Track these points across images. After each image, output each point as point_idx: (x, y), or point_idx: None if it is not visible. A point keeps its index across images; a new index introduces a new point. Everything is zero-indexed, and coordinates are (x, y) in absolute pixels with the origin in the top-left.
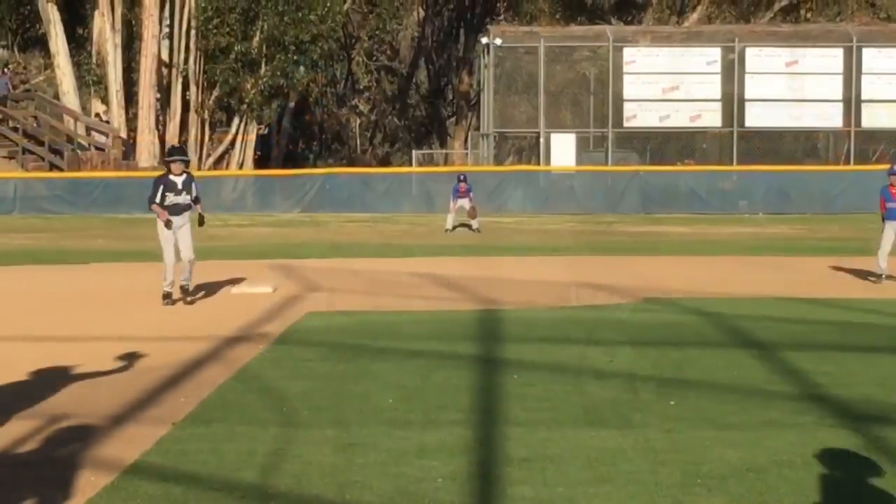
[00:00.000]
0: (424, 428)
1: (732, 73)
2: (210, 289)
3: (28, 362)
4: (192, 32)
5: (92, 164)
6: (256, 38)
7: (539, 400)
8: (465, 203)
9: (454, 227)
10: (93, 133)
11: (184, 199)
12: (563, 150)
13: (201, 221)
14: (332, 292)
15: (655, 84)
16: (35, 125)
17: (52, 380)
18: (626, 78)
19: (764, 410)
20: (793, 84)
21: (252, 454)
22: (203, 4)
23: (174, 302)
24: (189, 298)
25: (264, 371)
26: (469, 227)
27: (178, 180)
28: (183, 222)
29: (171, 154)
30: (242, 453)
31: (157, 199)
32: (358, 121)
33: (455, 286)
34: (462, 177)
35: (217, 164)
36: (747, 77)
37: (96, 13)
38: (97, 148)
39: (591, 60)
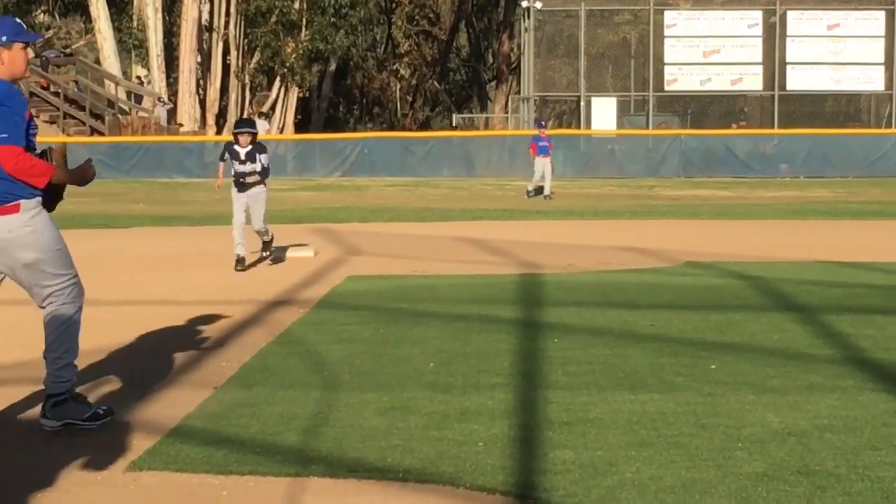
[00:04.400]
0: (465, 392)
1: (774, 36)
2: (251, 252)
3: None
4: None
5: (133, 128)
6: (297, 2)
7: (579, 364)
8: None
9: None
10: (133, 97)
11: (248, 168)
12: (603, 113)
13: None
14: (373, 256)
15: (696, 47)
16: (76, 90)
17: (91, 344)
18: (666, 41)
19: (805, 374)
20: (834, 47)
21: (293, 418)
22: None
23: (246, 268)
24: (268, 259)
25: (305, 335)
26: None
27: (242, 150)
28: (256, 191)
29: (237, 126)
30: (284, 417)
31: (224, 159)
32: (398, 85)
33: (495, 250)
34: (542, 123)
35: None
36: (788, 40)
37: None
38: (138, 112)
39: (633, 24)
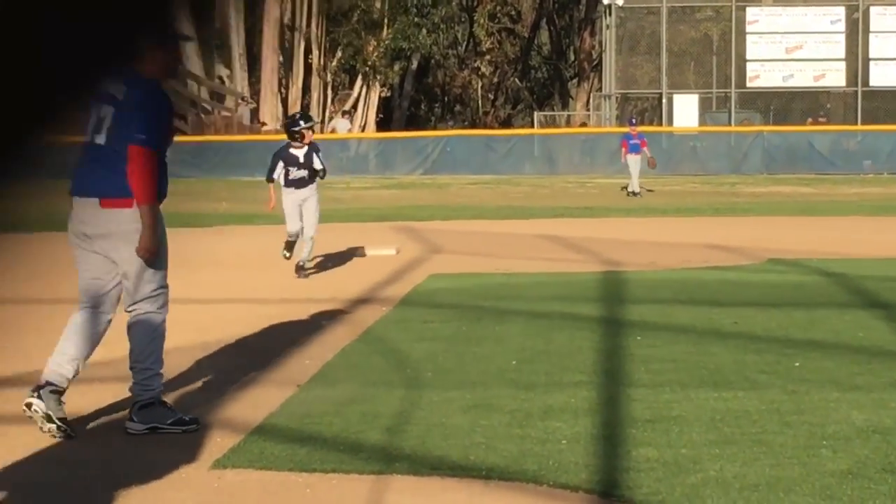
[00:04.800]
0: (548, 389)
1: (857, 31)
2: (334, 251)
3: None
4: None
5: (216, 127)
6: (379, 1)
7: (662, 361)
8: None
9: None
10: (216, 96)
11: (306, 172)
12: (685, 110)
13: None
14: (455, 254)
15: (778, 44)
16: None
17: (174, 342)
18: (748, 38)
19: (890, 371)
20: None
21: (376, 416)
22: None
23: (308, 274)
24: (304, 273)
25: (388, 333)
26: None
27: (300, 153)
28: (308, 195)
29: (293, 124)
30: (367, 415)
31: (276, 175)
32: (480, 83)
33: (577, 247)
34: (633, 120)
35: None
36: (871, 36)
37: None
38: (221, 112)
39: (714, 20)
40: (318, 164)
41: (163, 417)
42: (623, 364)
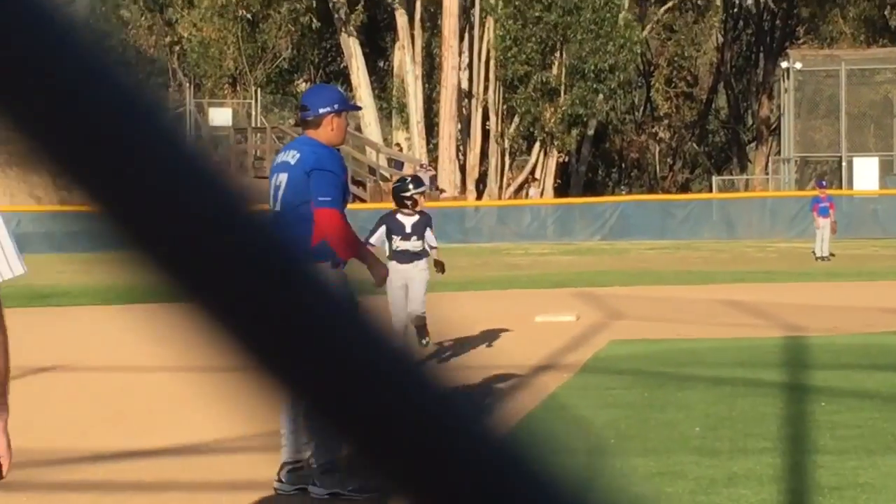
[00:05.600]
0: (732, 456)
1: None
2: (514, 317)
3: None
4: (492, 62)
5: None
6: (556, 67)
7: (847, 427)
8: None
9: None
10: (394, 163)
11: (413, 245)
12: (865, 173)
13: (441, 268)
14: (635, 320)
15: None
16: None
17: None
18: None
19: None
20: None
21: None
22: (501, 34)
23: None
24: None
25: (570, 399)
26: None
27: (408, 221)
28: (415, 274)
29: (401, 188)
30: None
31: (373, 240)
32: (657, 147)
33: (758, 312)
34: (823, 183)
35: (517, 192)
36: None
37: (396, 46)
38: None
39: (894, 82)
40: (431, 241)
41: (343, 484)
42: (808, 430)
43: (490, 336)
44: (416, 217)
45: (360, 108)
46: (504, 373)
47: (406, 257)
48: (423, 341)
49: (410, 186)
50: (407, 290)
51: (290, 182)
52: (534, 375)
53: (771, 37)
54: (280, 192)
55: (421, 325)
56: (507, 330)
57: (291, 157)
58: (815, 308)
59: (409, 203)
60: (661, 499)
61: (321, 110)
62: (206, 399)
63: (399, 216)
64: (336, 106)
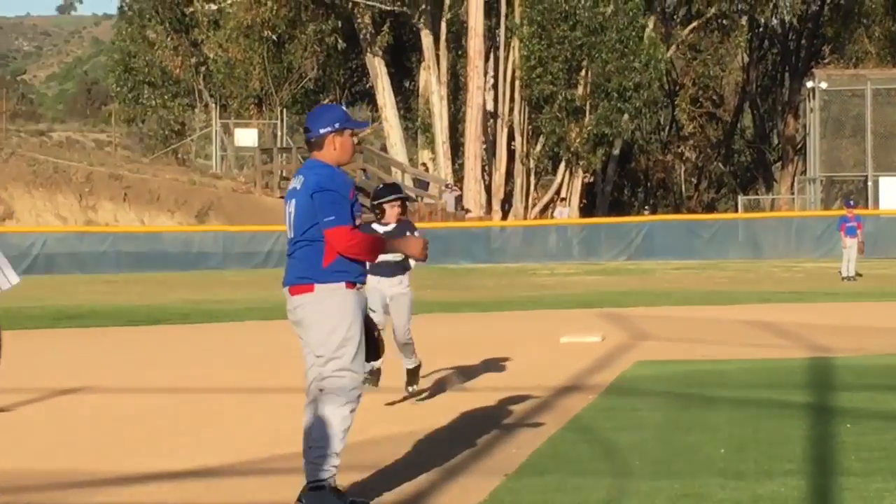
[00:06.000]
0: (757, 479)
1: None
2: (539, 338)
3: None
4: (517, 82)
5: (419, 214)
6: (581, 88)
7: (873, 450)
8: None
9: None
10: (419, 183)
11: (393, 256)
12: (891, 192)
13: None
14: (661, 340)
15: None
16: (364, 177)
17: (381, 430)
18: None
19: None
20: None
21: None
22: (526, 54)
23: (377, 383)
24: (406, 396)
25: (595, 421)
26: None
27: (383, 231)
28: (396, 291)
29: (380, 195)
30: None
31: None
32: (683, 167)
33: (784, 333)
34: (851, 202)
35: (543, 212)
36: None
37: (422, 66)
38: (424, 199)
39: None
40: None
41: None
42: (833, 452)
43: (515, 357)
44: (393, 226)
45: (365, 126)
46: (528, 394)
47: (386, 270)
48: (410, 389)
49: (381, 194)
50: (387, 309)
51: (298, 207)
52: (558, 396)
53: (796, 56)
54: (291, 219)
55: (412, 368)
56: (532, 350)
57: (298, 182)
58: (842, 329)
59: (376, 214)
60: None
61: (322, 131)
62: (230, 420)
63: (375, 226)
64: (337, 125)
